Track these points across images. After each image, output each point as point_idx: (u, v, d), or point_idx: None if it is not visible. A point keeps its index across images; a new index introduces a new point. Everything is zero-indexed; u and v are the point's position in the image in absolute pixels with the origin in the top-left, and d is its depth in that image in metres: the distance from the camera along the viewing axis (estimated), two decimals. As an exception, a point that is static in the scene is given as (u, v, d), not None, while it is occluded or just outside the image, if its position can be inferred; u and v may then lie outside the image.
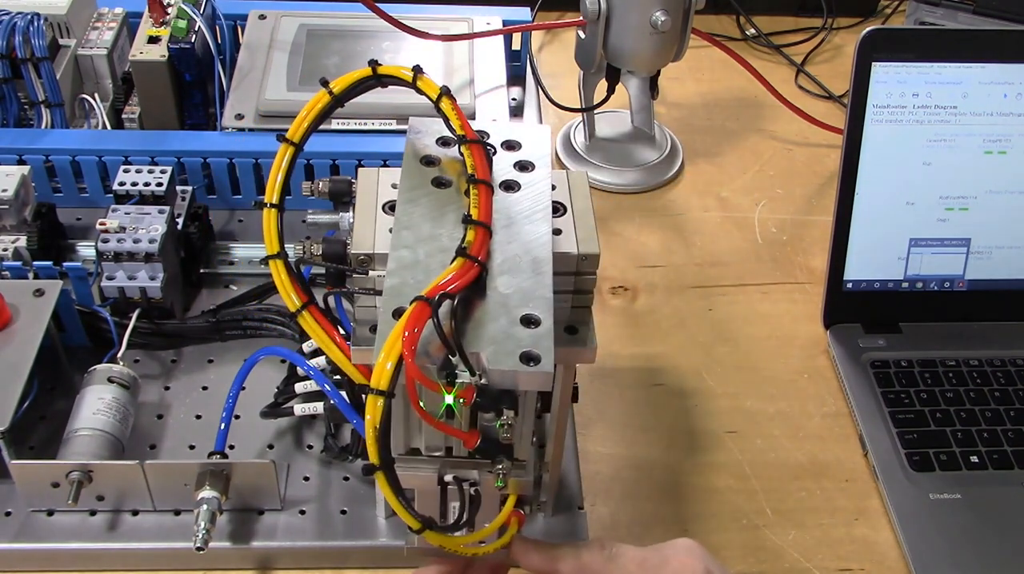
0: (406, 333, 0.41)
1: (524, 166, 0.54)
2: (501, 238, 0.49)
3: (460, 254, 0.46)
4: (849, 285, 0.79)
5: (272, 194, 0.53)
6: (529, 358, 0.44)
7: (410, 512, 0.45)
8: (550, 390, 0.45)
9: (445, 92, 0.52)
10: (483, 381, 0.42)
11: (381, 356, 0.41)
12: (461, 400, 0.42)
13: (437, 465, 0.47)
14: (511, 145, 0.55)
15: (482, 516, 0.49)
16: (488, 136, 0.55)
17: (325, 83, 0.53)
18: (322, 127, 0.81)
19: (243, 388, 0.67)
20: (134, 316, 0.71)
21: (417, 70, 0.52)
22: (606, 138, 0.98)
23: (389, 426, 0.43)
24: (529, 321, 0.46)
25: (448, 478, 0.46)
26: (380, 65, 0.53)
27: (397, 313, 0.44)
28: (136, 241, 0.71)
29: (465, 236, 0.47)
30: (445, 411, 0.42)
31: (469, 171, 0.51)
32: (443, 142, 0.55)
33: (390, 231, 0.54)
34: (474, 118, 0.84)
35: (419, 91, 0.53)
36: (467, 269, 0.45)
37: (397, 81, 0.53)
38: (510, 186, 0.53)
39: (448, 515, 0.51)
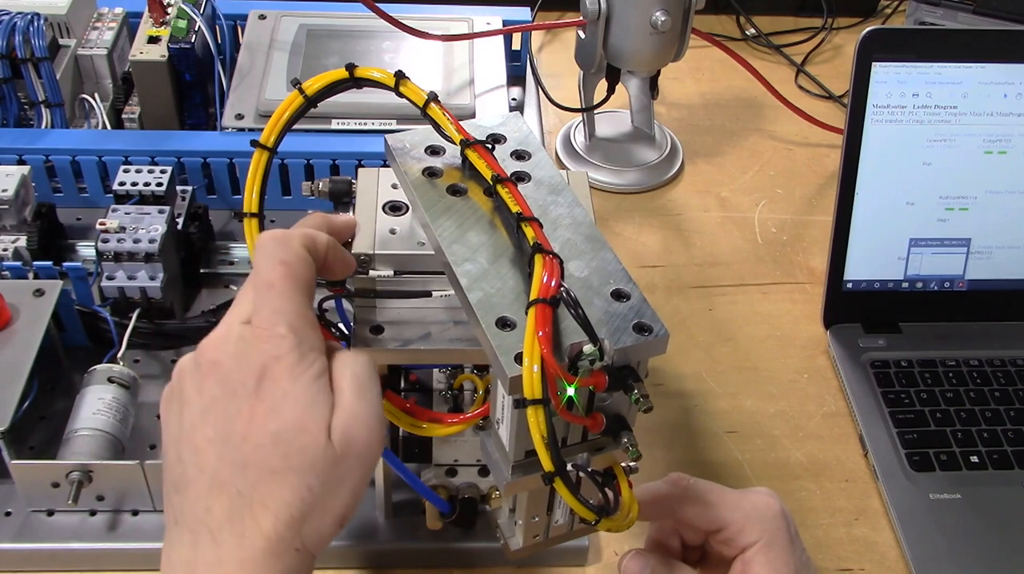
0: (540, 333, 0.42)
1: (520, 155, 0.54)
2: (546, 227, 0.49)
3: (538, 251, 0.46)
4: (849, 285, 0.79)
5: (250, 203, 0.52)
6: (642, 329, 0.45)
7: (588, 507, 0.45)
8: (665, 352, 0.46)
9: (432, 98, 0.52)
10: (607, 363, 0.42)
11: (527, 365, 0.41)
12: (591, 388, 0.43)
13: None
14: (497, 138, 0.55)
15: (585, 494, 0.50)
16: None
17: (297, 83, 0.52)
18: (322, 127, 0.83)
19: (243, 388, 0.66)
20: (134, 316, 0.71)
21: (400, 75, 0.52)
22: (606, 138, 0.98)
23: (555, 432, 0.43)
24: (620, 295, 0.46)
25: (569, 467, 0.47)
26: (357, 67, 0.52)
27: (501, 323, 0.44)
28: (136, 241, 0.71)
29: (521, 235, 0.47)
30: (567, 402, 0.43)
31: (487, 173, 0.50)
32: (432, 151, 0.54)
33: (391, 232, 0.54)
34: (474, 118, 0.84)
35: (402, 96, 0.52)
36: (551, 263, 0.45)
37: (374, 84, 0.52)
38: (520, 177, 0.53)
39: (554, 508, 0.52)
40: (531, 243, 0.46)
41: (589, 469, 0.47)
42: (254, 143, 0.52)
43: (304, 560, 0.42)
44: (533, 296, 0.43)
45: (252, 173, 0.52)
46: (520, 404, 0.42)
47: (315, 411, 0.42)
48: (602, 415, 0.46)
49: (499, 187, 0.50)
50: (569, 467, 0.45)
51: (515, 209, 0.48)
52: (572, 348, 0.43)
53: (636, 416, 0.47)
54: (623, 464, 0.49)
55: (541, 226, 0.48)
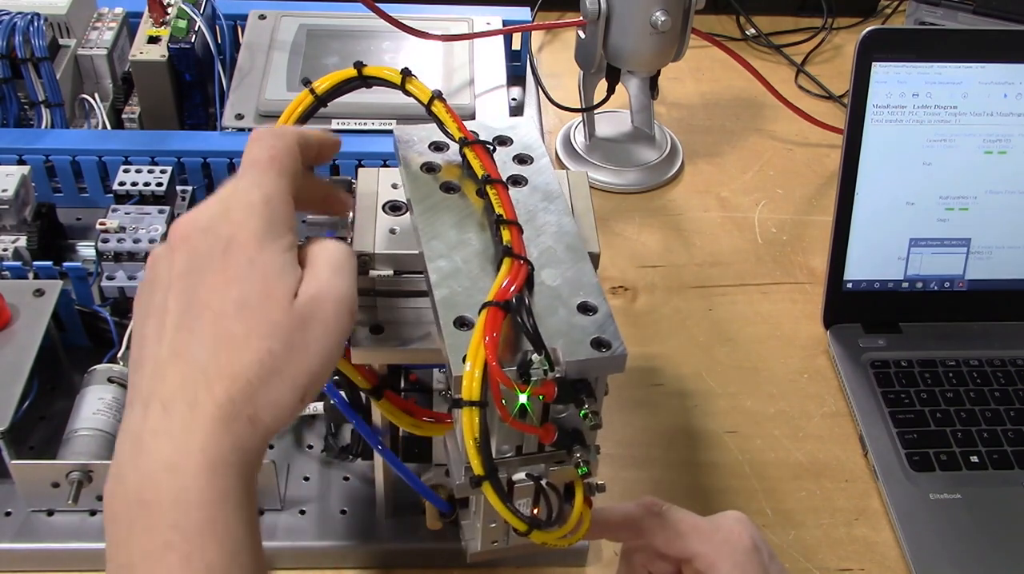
0: (487, 338, 0.41)
1: (523, 159, 0.54)
2: (529, 233, 0.49)
3: (507, 254, 0.46)
4: (849, 285, 0.79)
5: None
6: (600, 344, 0.44)
7: (518, 516, 0.45)
8: (623, 371, 0.45)
9: (437, 95, 0.52)
10: (559, 374, 0.42)
11: (468, 367, 0.41)
12: (541, 397, 0.43)
13: (508, 466, 0.47)
14: (503, 140, 0.55)
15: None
16: (478, 135, 0.55)
17: (307, 83, 0.52)
18: (322, 128, 0.83)
19: (243, 388, 0.66)
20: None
21: (406, 73, 0.52)
22: (606, 138, 0.98)
23: (488, 436, 0.43)
24: (586, 308, 0.46)
25: (520, 476, 0.46)
26: (366, 66, 0.52)
27: (459, 322, 0.44)
28: (136, 241, 0.71)
29: (501, 237, 0.47)
30: (519, 410, 0.42)
31: (480, 172, 0.50)
32: (436, 147, 0.54)
33: (391, 232, 0.54)
34: (474, 118, 0.84)
35: (408, 94, 0.52)
36: (518, 268, 0.45)
37: (383, 82, 0.52)
38: (517, 181, 0.53)
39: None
40: (505, 246, 0.47)
41: (544, 481, 0.47)
42: None
43: (256, 433, 0.40)
44: (488, 298, 0.43)
45: None
46: (457, 404, 0.42)
47: (282, 280, 0.42)
48: (554, 427, 0.45)
49: (488, 187, 0.50)
50: (523, 475, 0.45)
51: (498, 211, 0.48)
52: (523, 355, 0.43)
53: (595, 434, 0.47)
54: (589, 481, 0.49)
55: (521, 231, 0.48)
